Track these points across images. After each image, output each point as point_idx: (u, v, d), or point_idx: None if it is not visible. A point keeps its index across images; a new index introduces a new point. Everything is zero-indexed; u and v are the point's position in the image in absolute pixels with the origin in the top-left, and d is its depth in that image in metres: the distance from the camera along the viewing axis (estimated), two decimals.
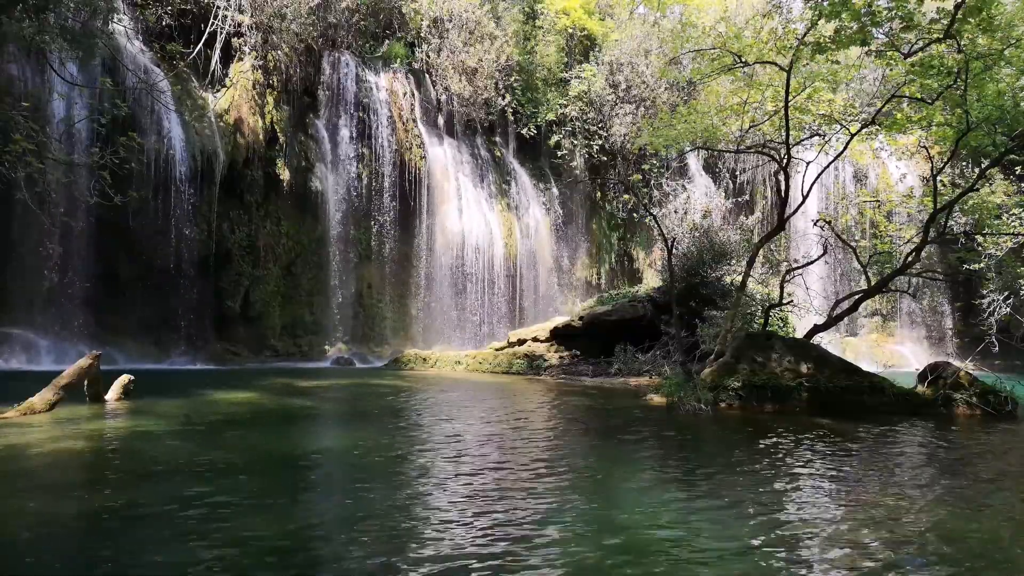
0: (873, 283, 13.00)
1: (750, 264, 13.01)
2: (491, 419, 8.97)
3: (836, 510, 4.65)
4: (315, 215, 21.52)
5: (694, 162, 28.33)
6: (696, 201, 20.01)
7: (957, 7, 9.54)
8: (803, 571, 3.52)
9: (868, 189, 28.03)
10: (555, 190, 27.13)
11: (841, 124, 12.88)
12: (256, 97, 20.22)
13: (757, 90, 13.25)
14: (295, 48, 21.11)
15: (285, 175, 20.70)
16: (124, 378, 9.46)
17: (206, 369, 17.07)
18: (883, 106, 12.05)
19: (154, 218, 17.59)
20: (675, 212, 19.36)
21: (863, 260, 13.43)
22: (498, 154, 26.25)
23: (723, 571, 3.46)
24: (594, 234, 27.90)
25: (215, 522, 4.09)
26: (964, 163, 22.49)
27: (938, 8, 10.09)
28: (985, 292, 19.54)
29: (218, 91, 19.80)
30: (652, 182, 26.29)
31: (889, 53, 10.98)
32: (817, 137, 13.51)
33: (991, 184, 16.18)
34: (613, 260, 28.06)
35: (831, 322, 12.48)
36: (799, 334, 14.02)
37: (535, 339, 18.37)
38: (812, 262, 13.84)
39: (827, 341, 19.73)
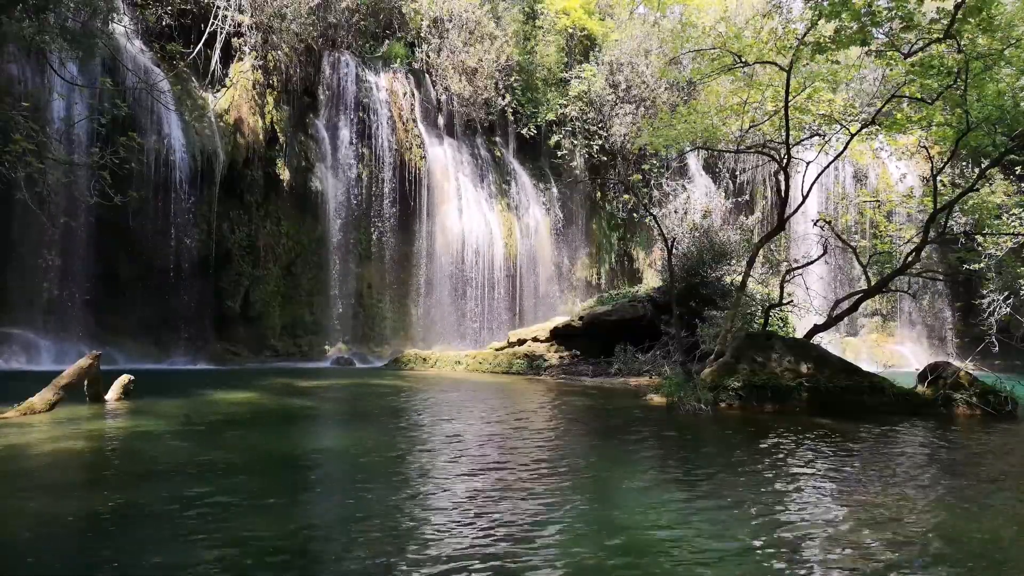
0: (873, 283, 13.00)
1: (750, 264, 13.01)
2: (491, 419, 8.97)
3: (837, 510, 4.65)
4: (315, 215, 21.51)
5: (694, 162, 28.32)
6: (696, 201, 20.01)
7: (957, 7, 9.54)
8: (804, 572, 3.52)
9: (868, 189, 28.02)
10: (555, 190, 27.11)
11: (841, 124, 12.88)
12: (256, 97, 20.21)
13: (757, 90, 13.25)
14: (295, 48, 21.11)
15: (285, 175, 20.70)
16: (124, 378, 9.46)
17: (206, 369, 17.06)
18: (883, 106, 12.05)
19: (154, 218, 17.60)
20: (675, 212, 19.36)
21: (863, 260, 13.43)
22: (498, 154, 26.23)
23: (723, 572, 3.46)
24: (594, 234, 27.88)
25: (215, 522, 4.09)
26: (964, 163, 22.48)
27: (938, 8, 10.10)
28: (985, 292, 19.55)
29: (218, 91, 19.79)
30: (652, 182, 26.29)
31: (889, 53, 10.98)
32: (817, 137, 13.50)
33: (991, 184, 16.19)
34: (613, 260, 28.04)
35: (831, 322, 12.48)
36: (799, 334, 14.02)
37: (535, 339, 18.36)
38: (812, 262, 13.82)
39: (827, 341, 19.73)
